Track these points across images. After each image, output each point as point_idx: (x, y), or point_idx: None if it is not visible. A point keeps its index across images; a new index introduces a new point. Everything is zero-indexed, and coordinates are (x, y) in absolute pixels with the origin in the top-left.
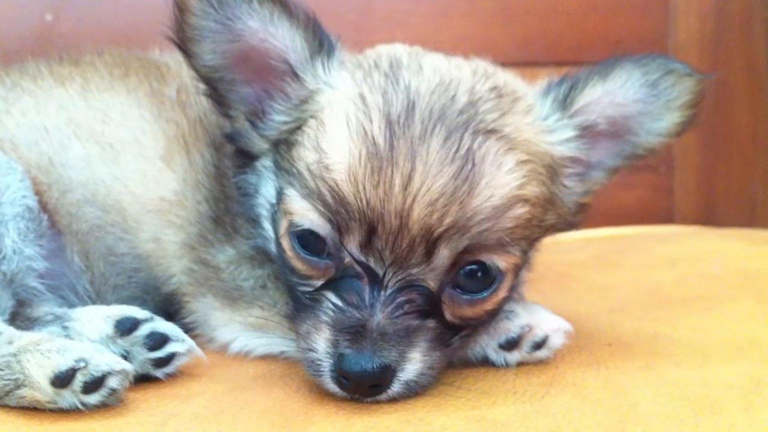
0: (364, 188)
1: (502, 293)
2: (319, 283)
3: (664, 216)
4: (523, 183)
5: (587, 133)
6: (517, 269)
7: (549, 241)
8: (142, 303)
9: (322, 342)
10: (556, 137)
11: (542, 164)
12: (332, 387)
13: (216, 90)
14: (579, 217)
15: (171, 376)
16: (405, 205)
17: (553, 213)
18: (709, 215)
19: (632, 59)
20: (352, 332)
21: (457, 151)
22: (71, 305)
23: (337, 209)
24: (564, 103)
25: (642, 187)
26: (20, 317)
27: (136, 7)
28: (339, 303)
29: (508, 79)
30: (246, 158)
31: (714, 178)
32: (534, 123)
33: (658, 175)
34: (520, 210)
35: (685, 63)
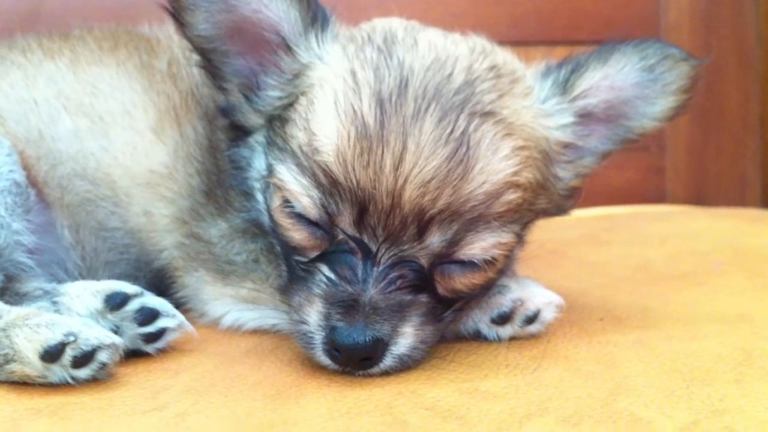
0: (354, 169)
1: (493, 272)
2: (313, 254)
3: (656, 195)
4: (518, 170)
5: (585, 118)
6: (510, 250)
7: (541, 221)
8: (134, 280)
9: (314, 314)
10: (555, 122)
11: (538, 150)
12: (324, 360)
13: (210, 61)
14: (570, 202)
15: (162, 351)
16: (396, 185)
17: (545, 197)
18: (700, 195)
19: (630, 43)
20: (345, 306)
21: (451, 132)
22: (61, 282)
23: (330, 189)
24: (564, 87)
25: (633, 167)
26: (9, 292)
27: None
28: (332, 276)
29: (507, 58)
30: (240, 132)
31: (705, 158)
32: (533, 106)
33: (650, 155)
34: (513, 195)
35: (681, 48)
